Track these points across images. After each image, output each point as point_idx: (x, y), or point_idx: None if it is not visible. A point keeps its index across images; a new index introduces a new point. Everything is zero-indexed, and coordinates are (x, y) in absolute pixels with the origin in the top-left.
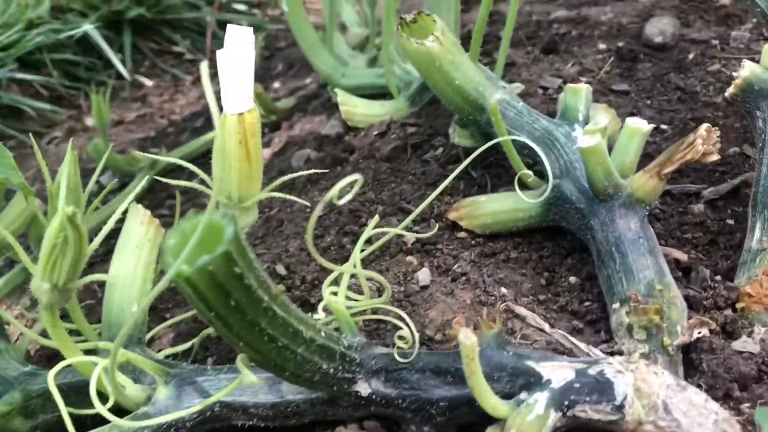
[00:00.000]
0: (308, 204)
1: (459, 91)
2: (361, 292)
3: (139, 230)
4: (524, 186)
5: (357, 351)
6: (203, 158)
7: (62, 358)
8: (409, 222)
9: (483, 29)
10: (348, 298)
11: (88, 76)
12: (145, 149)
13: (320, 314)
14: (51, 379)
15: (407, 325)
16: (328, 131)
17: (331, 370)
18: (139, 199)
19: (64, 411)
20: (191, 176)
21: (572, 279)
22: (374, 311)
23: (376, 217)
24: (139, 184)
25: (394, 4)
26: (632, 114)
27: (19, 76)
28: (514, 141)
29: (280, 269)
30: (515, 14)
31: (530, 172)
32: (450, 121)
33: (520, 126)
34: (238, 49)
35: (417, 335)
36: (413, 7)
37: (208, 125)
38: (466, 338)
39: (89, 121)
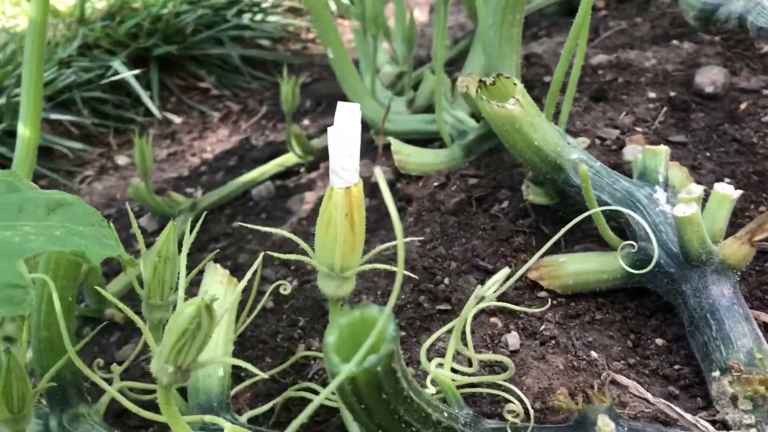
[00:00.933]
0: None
1: (538, 152)
2: (455, 358)
3: (218, 291)
4: (606, 243)
5: (471, 427)
6: (241, 199)
7: (129, 414)
8: (487, 281)
9: (557, 92)
10: (453, 370)
11: (117, 113)
12: (180, 189)
13: (430, 389)
14: None
15: (521, 401)
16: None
17: None
18: (180, 242)
19: None
20: (230, 220)
21: (659, 341)
22: (476, 382)
23: (471, 301)
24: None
25: (443, 52)
26: (694, 167)
27: (53, 116)
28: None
29: None
30: (573, 70)
31: (634, 244)
32: (513, 173)
33: (600, 187)
34: (347, 126)
35: (532, 411)
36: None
37: (241, 164)
38: (605, 425)
39: (120, 160)
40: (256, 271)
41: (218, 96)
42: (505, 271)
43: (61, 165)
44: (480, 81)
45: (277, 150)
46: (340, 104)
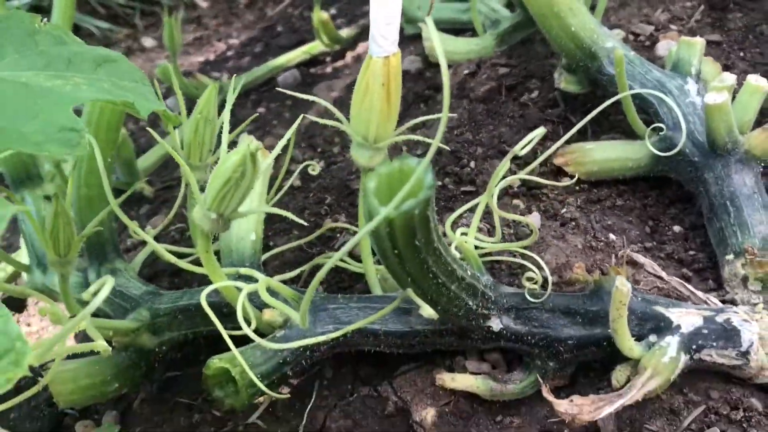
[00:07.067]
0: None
1: (574, 38)
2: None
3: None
4: (631, 134)
5: (491, 290)
6: (267, 85)
7: (163, 276)
8: (513, 166)
9: None
10: (477, 239)
11: None
12: (206, 73)
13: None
14: (204, 299)
15: (541, 269)
16: (407, 66)
17: (474, 307)
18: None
19: (224, 332)
20: (255, 105)
21: (676, 228)
22: (498, 253)
23: (503, 164)
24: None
25: None
26: (727, 66)
27: None
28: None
29: None
30: None
31: (662, 126)
32: (545, 63)
33: (632, 76)
34: None
35: (550, 278)
36: None
37: (267, 51)
38: (623, 285)
39: (146, 42)
40: (287, 146)
41: None
42: (540, 130)
43: (88, 44)
44: None
45: (303, 38)
46: None
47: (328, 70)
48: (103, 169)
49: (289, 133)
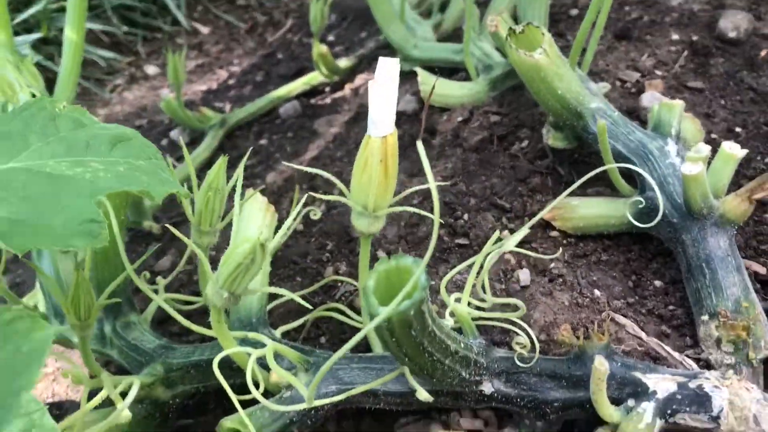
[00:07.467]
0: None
1: (560, 100)
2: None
3: (258, 216)
4: (614, 185)
5: (483, 356)
6: (269, 116)
7: (171, 321)
8: (504, 219)
9: (583, 40)
10: (469, 304)
11: (145, 21)
12: (208, 102)
13: (448, 320)
14: (216, 367)
15: (529, 336)
16: (403, 107)
17: (467, 376)
18: (210, 158)
19: (234, 398)
20: (258, 137)
21: (657, 283)
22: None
23: (496, 233)
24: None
25: None
26: (708, 115)
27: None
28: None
29: (381, 254)
30: (600, 14)
31: (642, 200)
32: (534, 112)
33: (615, 136)
34: (386, 79)
35: (538, 345)
36: None
37: (268, 79)
38: (600, 365)
39: (149, 69)
40: (293, 202)
41: (245, 6)
42: (524, 230)
43: (92, 73)
44: (509, 29)
45: (302, 66)
46: (381, 59)
47: (328, 101)
48: (118, 233)
49: (287, 223)
